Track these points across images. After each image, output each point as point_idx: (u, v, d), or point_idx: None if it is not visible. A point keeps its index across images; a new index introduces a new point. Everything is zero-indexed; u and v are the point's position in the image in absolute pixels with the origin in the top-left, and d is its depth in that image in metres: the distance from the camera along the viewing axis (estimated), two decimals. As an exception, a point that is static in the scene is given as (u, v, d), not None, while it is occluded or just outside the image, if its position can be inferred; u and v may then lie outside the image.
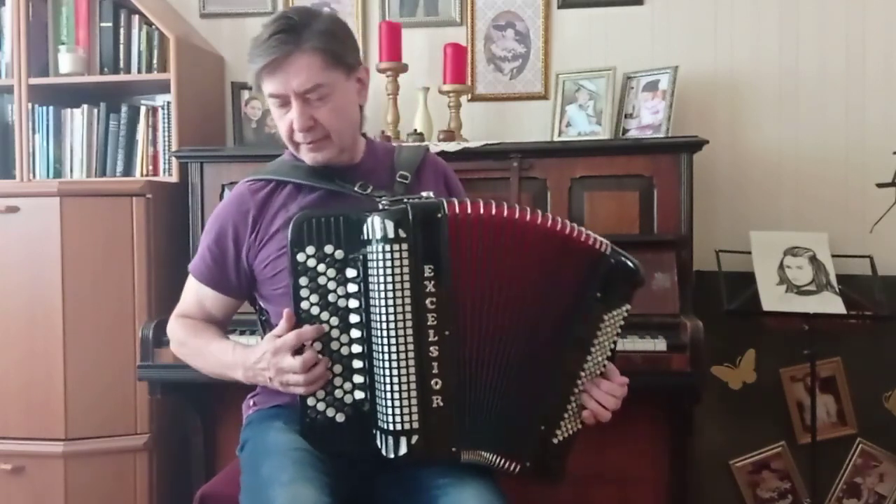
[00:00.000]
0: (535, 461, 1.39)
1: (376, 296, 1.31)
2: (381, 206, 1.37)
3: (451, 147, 2.36)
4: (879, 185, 2.46)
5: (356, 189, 1.52)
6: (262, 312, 1.61)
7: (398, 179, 1.57)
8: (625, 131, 2.55)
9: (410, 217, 1.31)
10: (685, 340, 2.03)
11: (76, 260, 2.35)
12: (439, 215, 1.33)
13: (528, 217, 1.36)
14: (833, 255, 2.37)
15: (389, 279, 1.30)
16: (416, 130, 2.55)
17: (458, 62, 2.61)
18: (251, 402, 1.63)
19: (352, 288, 1.34)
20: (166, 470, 2.48)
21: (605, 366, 1.42)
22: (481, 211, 1.35)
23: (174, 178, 2.59)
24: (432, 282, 1.32)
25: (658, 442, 2.24)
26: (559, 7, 2.75)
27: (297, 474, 1.33)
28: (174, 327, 1.62)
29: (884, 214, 2.50)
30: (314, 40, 1.44)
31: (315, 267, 1.34)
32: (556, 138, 2.57)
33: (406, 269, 1.30)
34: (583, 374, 1.39)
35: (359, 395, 1.35)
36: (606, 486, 2.25)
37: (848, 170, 2.63)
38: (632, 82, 2.58)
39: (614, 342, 1.42)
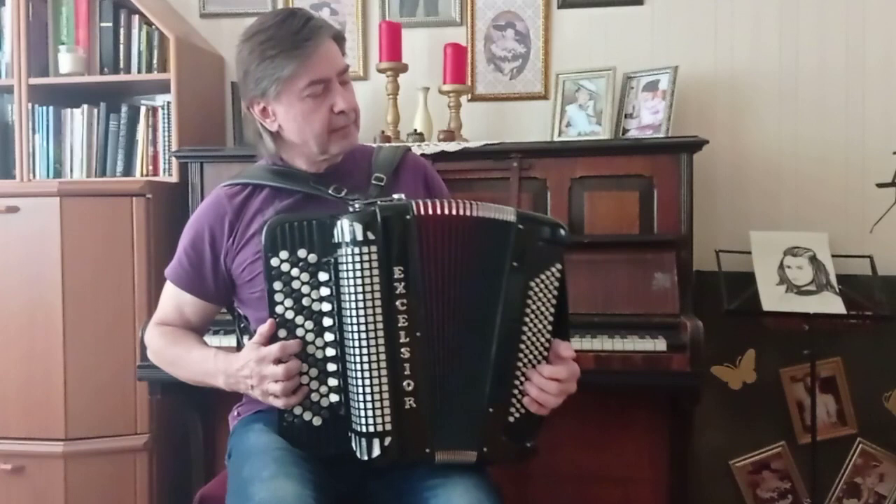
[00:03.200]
0: (491, 445, 1.37)
1: (347, 298, 1.31)
2: (351, 209, 1.38)
3: (451, 147, 2.36)
4: (879, 185, 2.47)
5: (331, 192, 1.52)
6: (240, 319, 1.61)
7: (373, 182, 1.57)
8: (625, 131, 2.55)
9: (379, 219, 1.32)
10: (685, 340, 2.02)
11: (76, 260, 2.35)
12: (408, 217, 1.34)
13: (471, 209, 1.37)
14: (833, 255, 2.37)
15: (359, 282, 1.30)
16: (416, 130, 2.55)
17: (458, 62, 2.61)
18: (236, 413, 1.63)
19: (324, 291, 1.34)
20: (166, 470, 2.48)
21: (548, 339, 1.38)
22: (446, 210, 1.36)
23: (174, 178, 2.59)
24: (402, 283, 1.32)
25: (658, 442, 2.24)
26: (559, 7, 2.75)
27: (279, 470, 1.34)
28: (152, 335, 1.61)
29: (884, 214, 2.50)
30: (331, 28, 1.51)
31: (289, 271, 1.34)
32: (556, 138, 2.57)
33: (376, 272, 1.30)
34: (522, 345, 1.37)
35: (334, 398, 1.35)
36: (606, 486, 2.25)
37: (848, 170, 2.63)
38: (632, 82, 2.58)
39: (554, 307, 1.39)
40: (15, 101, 2.63)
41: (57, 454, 2.34)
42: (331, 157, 1.55)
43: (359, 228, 1.30)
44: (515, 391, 1.38)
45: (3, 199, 2.38)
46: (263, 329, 1.36)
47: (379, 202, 1.37)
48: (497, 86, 2.79)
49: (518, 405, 1.38)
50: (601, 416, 2.25)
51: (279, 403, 1.35)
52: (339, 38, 1.53)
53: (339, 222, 1.32)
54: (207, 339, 2.06)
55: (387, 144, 1.73)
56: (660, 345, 2.04)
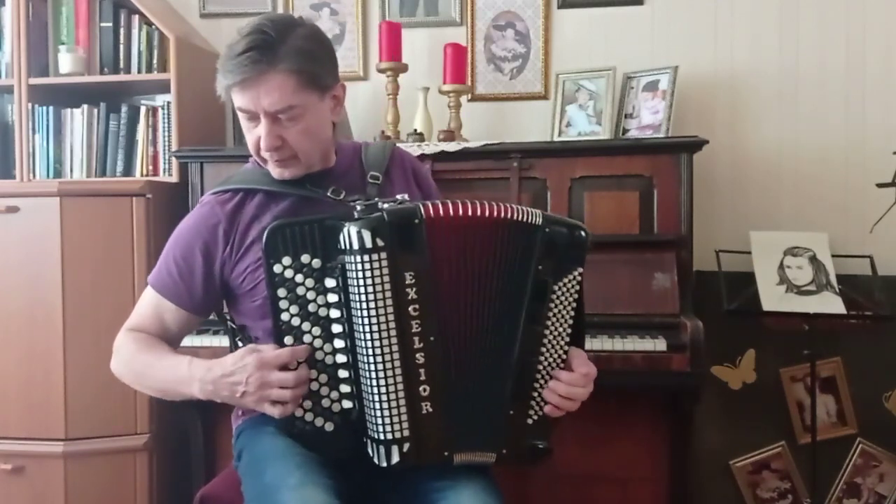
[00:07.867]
0: (511, 446, 1.38)
1: (358, 306, 1.28)
2: (356, 213, 1.34)
3: (451, 147, 2.36)
4: (879, 185, 2.47)
5: (329, 195, 1.47)
6: (237, 330, 1.53)
7: (370, 181, 1.52)
8: (625, 131, 2.55)
9: (387, 224, 1.28)
10: (685, 340, 2.03)
11: (76, 260, 2.35)
12: (416, 221, 1.31)
13: (489, 211, 1.35)
14: (833, 255, 2.37)
15: (370, 289, 1.27)
16: (416, 130, 2.55)
17: (458, 62, 2.61)
18: (240, 413, 1.58)
19: (332, 298, 1.31)
20: (166, 470, 2.48)
21: (567, 342, 1.39)
22: (451, 212, 1.33)
23: (174, 178, 2.59)
24: (414, 288, 1.29)
25: (658, 442, 2.24)
26: (559, 7, 2.75)
27: (305, 478, 1.32)
28: (124, 341, 1.52)
29: (884, 214, 2.50)
30: (289, 61, 1.36)
31: (293, 277, 1.30)
32: (556, 138, 2.57)
33: (387, 278, 1.27)
34: (543, 348, 1.37)
35: (346, 404, 1.33)
36: (606, 485, 2.25)
37: (848, 170, 2.63)
38: (632, 82, 2.58)
39: (574, 310, 1.39)
40: (15, 101, 2.63)
41: (57, 454, 2.34)
42: (302, 174, 1.48)
43: (367, 235, 1.26)
44: (535, 394, 1.38)
45: (3, 199, 2.38)
46: (284, 352, 1.30)
47: (385, 205, 1.34)
48: (497, 86, 2.79)
49: (537, 408, 1.38)
50: (601, 416, 2.25)
51: (276, 412, 1.31)
52: (300, 73, 1.38)
53: (345, 229, 1.28)
54: (201, 337, 2.09)
55: (374, 142, 1.69)
56: (660, 345, 2.04)
